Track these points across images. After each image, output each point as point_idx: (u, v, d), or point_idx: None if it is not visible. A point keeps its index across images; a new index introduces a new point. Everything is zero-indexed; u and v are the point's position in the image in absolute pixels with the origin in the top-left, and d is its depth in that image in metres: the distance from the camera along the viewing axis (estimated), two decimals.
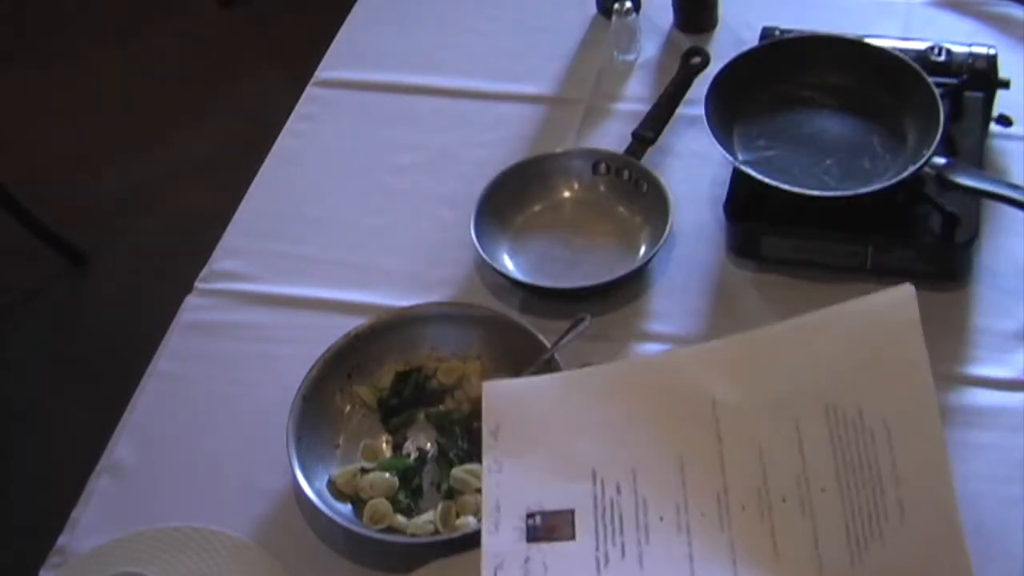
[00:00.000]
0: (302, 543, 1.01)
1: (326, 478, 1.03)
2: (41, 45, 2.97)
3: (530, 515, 0.89)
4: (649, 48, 1.42)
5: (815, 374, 0.90)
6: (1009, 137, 1.24)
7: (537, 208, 1.25)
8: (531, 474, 0.91)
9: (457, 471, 1.01)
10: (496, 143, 1.33)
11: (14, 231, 2.34)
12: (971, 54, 1.22)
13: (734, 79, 1.20)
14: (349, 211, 1.30)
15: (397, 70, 1.45)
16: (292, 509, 1.04)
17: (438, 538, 0.97)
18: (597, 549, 0.86)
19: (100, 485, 1.08)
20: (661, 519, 0.87)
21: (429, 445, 1.07)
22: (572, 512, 0.89)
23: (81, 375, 2.20)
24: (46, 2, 3.08)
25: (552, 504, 0.89)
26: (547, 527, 0.88)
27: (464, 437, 1.05)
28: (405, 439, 1.08)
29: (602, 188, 1.25)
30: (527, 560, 0.86)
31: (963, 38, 1.26)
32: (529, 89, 1.40)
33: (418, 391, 1.10)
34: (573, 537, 0.87)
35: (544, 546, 0.87)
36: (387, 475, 1.03)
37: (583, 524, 0.88)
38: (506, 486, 0.91)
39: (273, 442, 1.03)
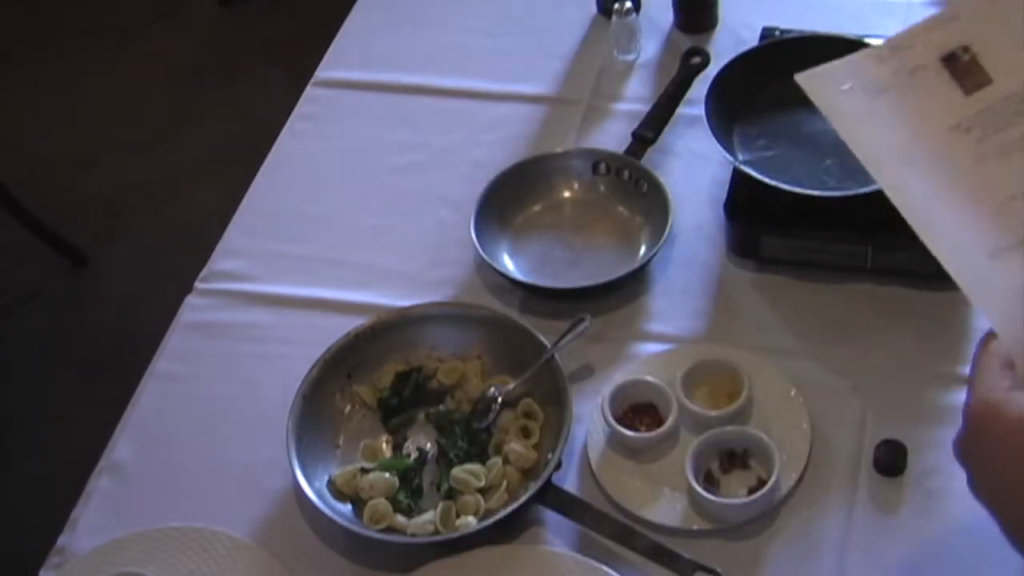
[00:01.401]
0: (302, 543, 1.01)
1: (326, 478, 1.03)
2: (41, 45, 2.97)
3: (959, 49, 0.87)
4: (649, 48, 1.42)
5: None
6: None
7: (537, 208, 1.25)
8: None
9: (457, 471, 1.01)
10: (496, 143, 1.33)
11: (14, 231, 2.34)
12: None
13: (734, 79, 1.20)
14: (349, 211, 1.30)
15: (397, 70, 1.45)
16: (292, 509, 1.04)
17: (438, 538, 0.97)
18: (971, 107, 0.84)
19: (100, 485, 1.08)
20: None
21: (429, 445, 1.07)
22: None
23: (81, 375, 2.20)
24: (46, 2, 3.08)
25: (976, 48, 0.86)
26: (965, 67, 0.86)
27: (464, 437, 1.05)
28: (405, 439, 1.08)
29: (602, 188, 1.25)
30: (925, 65, 0.87)
31: None
32: (529, 89, 1.40)
33: (418, 391, 1.10)
34: (969, 92, 0.85)
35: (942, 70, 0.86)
36: (387, 475, 1.03)
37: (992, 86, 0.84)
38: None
39: (273, 442, 1.03)
